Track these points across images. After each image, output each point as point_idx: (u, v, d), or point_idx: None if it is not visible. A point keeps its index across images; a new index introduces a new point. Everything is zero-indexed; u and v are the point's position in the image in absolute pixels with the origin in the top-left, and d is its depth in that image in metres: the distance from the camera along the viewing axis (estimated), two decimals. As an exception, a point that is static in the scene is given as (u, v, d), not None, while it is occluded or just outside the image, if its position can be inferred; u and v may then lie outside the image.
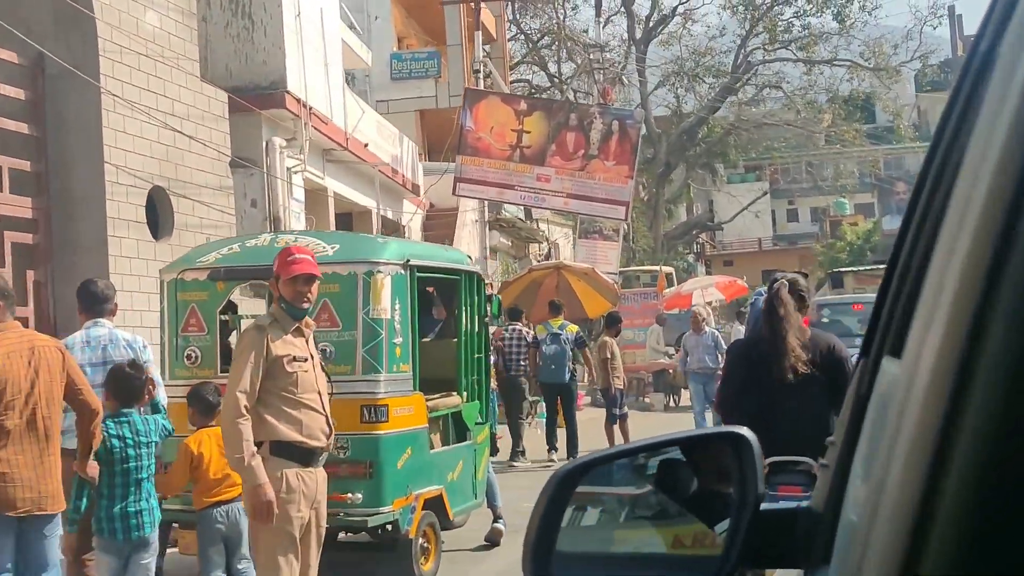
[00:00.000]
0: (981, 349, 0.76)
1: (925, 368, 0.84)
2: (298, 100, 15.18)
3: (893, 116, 46.15)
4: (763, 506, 1.55)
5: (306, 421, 5.29)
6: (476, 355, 8.79)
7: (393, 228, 21.23)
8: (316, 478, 5.39)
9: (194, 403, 6.43)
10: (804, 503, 1.60)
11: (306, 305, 5.38)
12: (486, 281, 9.53)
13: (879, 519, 0.89)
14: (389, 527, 7.37)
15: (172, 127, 12.65)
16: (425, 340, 9.30)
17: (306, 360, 5.35)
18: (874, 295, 1.70)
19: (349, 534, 7.99)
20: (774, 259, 55.73)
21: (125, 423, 5.77)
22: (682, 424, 14.78)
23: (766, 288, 6.02)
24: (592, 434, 15.33)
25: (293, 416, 5.26)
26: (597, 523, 1.85)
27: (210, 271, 7.55)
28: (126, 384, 5.81)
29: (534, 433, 16.36)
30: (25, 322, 10.84)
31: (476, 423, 8.67)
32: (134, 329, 10.94)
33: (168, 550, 7.62)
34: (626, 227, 32.33)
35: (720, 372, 14.45)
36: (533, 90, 38.45)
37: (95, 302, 6.90)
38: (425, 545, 7.72)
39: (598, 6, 41.80)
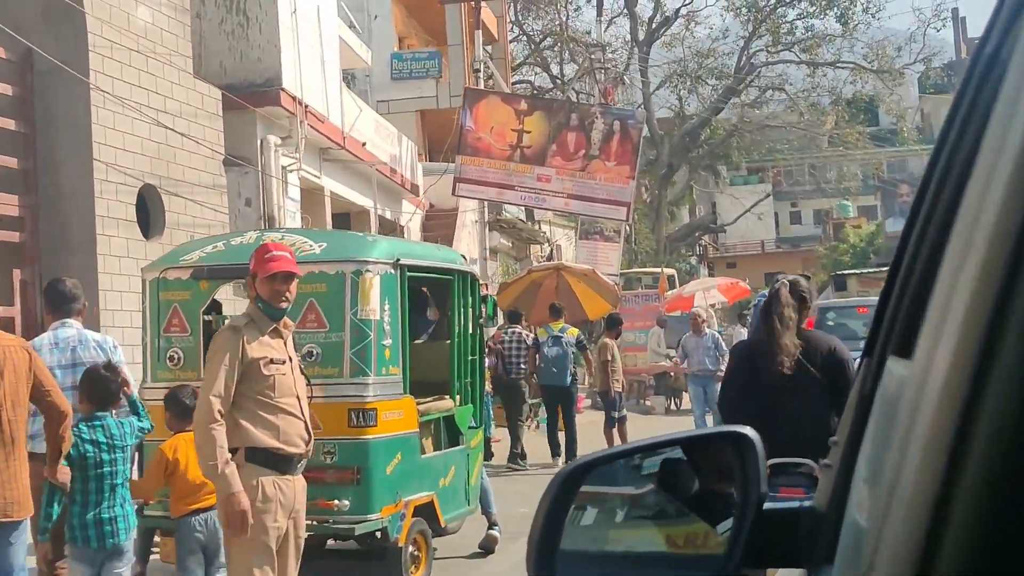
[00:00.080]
0: (996, 351, 0.75)
1: (939, 370, 0.83)
2: (293, 98, 14.97)
3: (896, 119, 45.87)
4: (766, 505, 1.55)
5: (283, 427, 5.04)
6: (470, 357, 8.55)
7: (391, 228, 21.01)
8: (294, 486, 5.13)
9: (171, 407, 6.19)
10: (807, 503, 1.60)
11: (284, 305, 5.13)
12: (480, 282, 9.29)
13: (891, 521, 0.89)
14: (378, 535, 7.12)
15: (164, 124, 12.45)
16: (418, 342, 9.08)
17: (284, 362, 5.09)
18: (878, 298, 1.68)
19: (337, 541, 7.76)
20: (777, 261, 55.60)
21: (99, 427, 5.54)
22: (683, 427, 14.54)
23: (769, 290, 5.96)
24: (592, 437, 15.10)
25: (270, 421, 5.01)
26: (600, 522, 1.85)
27: (193, 270, 7.31)
28: (100, 387, 5.58)
29: (533, 436, 16.13)
30: (11, 322, 10.66)
31: (469, 427, 8.42)
32: (123, 331, 10.78)
33: (151, 557, 7.40)
34: (628, 228, 32.14)
35: (720, 374, 14.41)
36: (535, 91, 38.21)
37: (63, 301, 6.64)
38: (415, 553, 7.48)
39: (599, 6, 41.62)
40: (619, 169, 22.30)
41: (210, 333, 7.42)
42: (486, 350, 15.56)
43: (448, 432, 8.21)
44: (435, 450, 8.00)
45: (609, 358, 15.37)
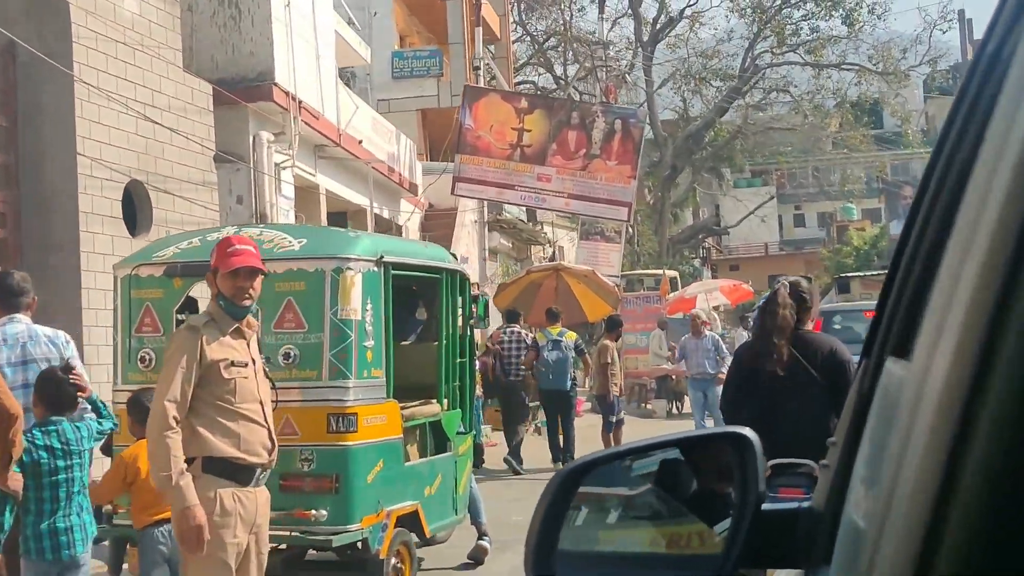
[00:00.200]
0: (996, 352, 0.75)
1: (938, 371, 0.84)
2: (287, 93, 14.64)
3: (901, 121, 45.62)
4: (764, 506, 1.55)
5: (244, 434, 4.67)
6: (459, 360, 8.21)
7: (387, 228, 20.69)
8: (255, 499, 4.76)
9: (133, 411, 5.85)
10: (805, 503, 1.60)
11: (247, 303, 4.76)
12: (471, 281, 8.95)
13: (890, 521, 0.89)
14: (359, 545, 6.80)
15: (151, 119, 12.14)
16: (405, 343, 8.75)
17: (246, 365, 4.73)
18: (880, 300, 1.68)
19: (319, 552, 7.44)
20: (780, 264, 55.55)
21: (53, 432, 5.21)
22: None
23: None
24: (593, 441, 14.78)
25: (230, 429, 4.65)
26: (598, 523, 1.85)
27: (166, 267, 6.97)
28: (56, 390, 5.25)
29: (532, 440, 15.79)
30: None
31: (458, 433, 8.09)
32: (106, 331, 10.41)
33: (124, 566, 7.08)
34: (630, 230, 31.85)
35: (720, 377, 14.13)
36: (539, 92, 37.90)
37: (10, 295, 6.28)
38: (399, 565, 7.14)
39: (601, 4, 41.30)
40: (620, 168, 21.99)
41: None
42: (485, 349, 15.42)
43: (435, 438, 7.88)
44: (421, 457, 7.67)
45: (609, 361, 15.07)
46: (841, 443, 1.54)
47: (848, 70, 42.81)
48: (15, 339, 6.11)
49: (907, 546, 0.80)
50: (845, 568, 1.17)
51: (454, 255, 9.25)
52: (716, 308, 25.60)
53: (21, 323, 6.21)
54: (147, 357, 6.93)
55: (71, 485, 5.24)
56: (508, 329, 15.19)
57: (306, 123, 15.37)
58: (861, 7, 41.29)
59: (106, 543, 7.13)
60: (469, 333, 8.60)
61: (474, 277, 22.97)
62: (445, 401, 7.95)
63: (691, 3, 43.09)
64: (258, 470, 4.74)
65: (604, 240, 27.36)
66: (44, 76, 10.88)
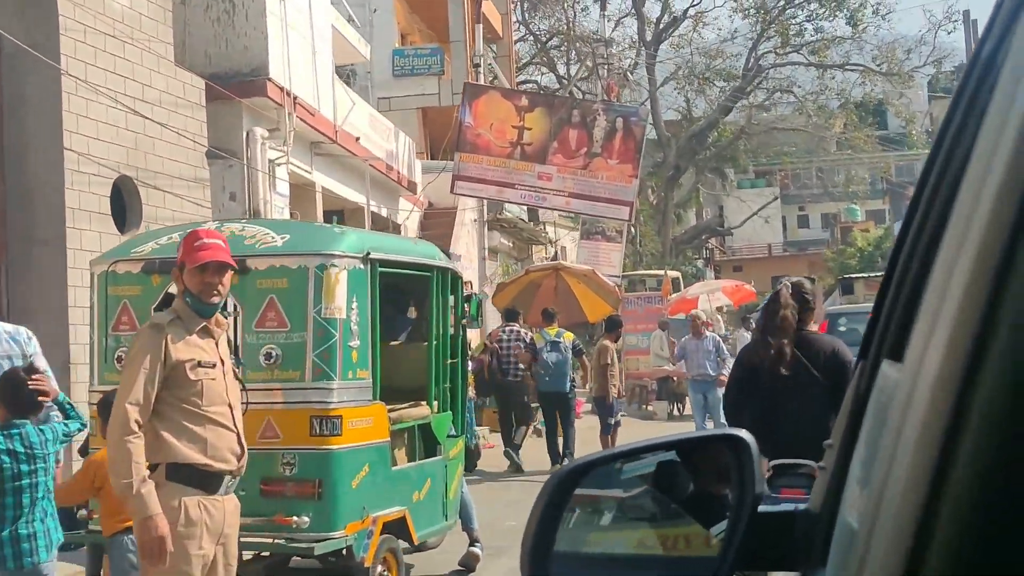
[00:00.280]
0: (986, 356, 0.75)
1: (929, 373, 0.84)
2: (281, 88, 14.39)
3: (906, 122, 45.39)
4: (761, 508, 1.56)
5: (212, 440, 4.40)
6: (450, 360, 7.93)
7: (384, 226, 20.44)
8: (223, 508, 4.48)
9: (103, 412, 5.58)
10: (802, 505, 1.60)
11: (215, 300, 4.49)
12: (464, 279, 8.68)
13: (880, 522, 0.89)
14: (344, 552, 6.54)
15: (141, 113, 11.89)
16: (395, 344, 8.49)
17: (214, 366, 4.45)
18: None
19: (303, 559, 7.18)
20: (784, 265, 55.38)
21: (16, 436, 4.95)
22: (682, 435, 13.95)
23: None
24: (592, 443, 14.51)
25: (196, 433, 4.38)
26: (595, 524, 1.85)
27: (144, 263, 6.70)
28: (15, 393, 4.99)
29: (531, 443, 15.52)
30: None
31: (449, 436, 7.82)
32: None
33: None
34: (632, 230, 31.59)
35: (721, 379, 13.86)
36: (541, 91, 37.66)
37: None
38: (385, 573, 6.88)
39: (603, 1, 41.01)
40: (622, 167, 21.74)
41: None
42: (483, 348, 15.16)
43: (424, 441, 7.61)
44: (409, 461, 7.40)
45: (608, 362, 14.80)
46: (837, 445, 1.55)
47: (852, 71, 42.61)
48: None
49: (896, 548, 0.80)
50: (839, 570, 1.17)
51: (447, 253, 8.97)
52: (719, 309, 25.29)
53: None
54: (124, 357, 6.65)
55: (34, 490, 4.98)
56: (507, 328, 14.95)
57: (301, 119, 15.12)
58: (865, 8, 41.11)
59: (84, 549, 6.90)
60: (461, 333, 8.33)
61: (473, 277, 22.82)
62: (435, 403, 7.69)
63: (695, 3, 42.57)
64: (226, 477, 4.45)
65: (605, 240, 27.09)
66: (29, 68, 10.64)
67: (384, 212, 20.83)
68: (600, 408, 15.10)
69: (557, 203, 22.59)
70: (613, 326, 15.68)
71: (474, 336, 16.96)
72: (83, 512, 6.43)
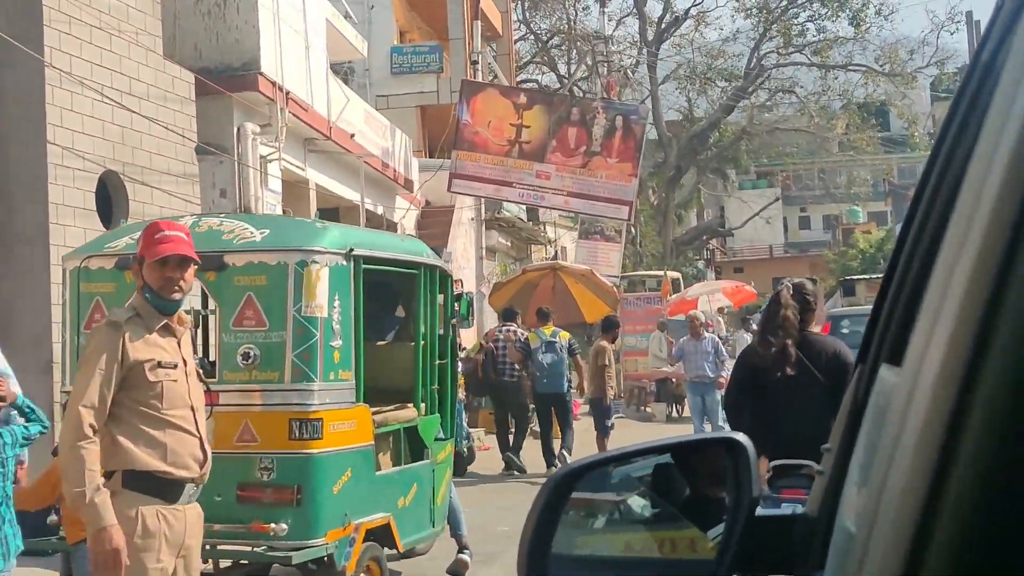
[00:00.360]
0: (987, 355, 0.75)
1: (928, 378, 0.84)
2: (273, 83, 14.13)
3: (908, 123, 45.13)
4: (758, 511, 1.57)
5: (172, 445, 4.12)
6: (439, 361, 7.66)
7: (379, 224, 20.16)
8: (184, 518, 4.20)
9: (66, 415, 5.33)
10: (799, 509, 1.62)
11: (177, 296, 4.21)
12: (453, 277, 8.41)
13: (879, 526, 0.89)
14: (325, 560, 6.27)
15: (128, 107, 11.63)
16: (381, 344, 8.23)
17: (175, 367, 4.18)
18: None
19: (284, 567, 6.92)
20: (785, 266, 55.19)
21: (-29, 440, 4.70)
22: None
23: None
24: (588, 445, 14.27)
25: (155, 438, 4.10)
26: (592, 527, 1.86)
27: (118, 259, 6.43)
28: None
29: (527, 444, 15.25)
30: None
31: (436, 439, 7.55)
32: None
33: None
34: (632, 229, 31.34)
35: (721, 381, 13.62)
36: (541, 90, 37.42)
37: None
38: (368, 582, 6.63)
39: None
40: (621, 166, 21.48)
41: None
42: (479, 347, 14.90)
43: (411, 445, 7.35)
44: (394, 465, 7.14)
45: (605, 363, 14.54)
46: (835, 450, 1.55)
47: (855, 71, 42.40)
48: None
49: (894, 552, 0.79)
50: (838, 573, 1.17)
51: (439, 252, 8.70)
52: (720, 310, 25.03)
53: None
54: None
55: (-9, 497, 4.73)
56: (504, 328, 14.70)
57: (294, 115, 14.86)
58: (868, 8, 40.90)
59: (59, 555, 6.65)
60: (451, 333, 8.07)
61: (470, 276, 22.57)
62: (423, 405, 7.42)
63: (696, 2, 42.35)
64: (188, 485, 4.17)
65: (604, 239, 26.83)
66: (11, 60, 10.37)
67: (380, 210, 20.56)
68: (596, 410, 14.82)
69: (555, 202, 22.34)
70: (610, 327, 15.46)
71: (470, 336, 16.72)
72: (53, 518, 6.17)
